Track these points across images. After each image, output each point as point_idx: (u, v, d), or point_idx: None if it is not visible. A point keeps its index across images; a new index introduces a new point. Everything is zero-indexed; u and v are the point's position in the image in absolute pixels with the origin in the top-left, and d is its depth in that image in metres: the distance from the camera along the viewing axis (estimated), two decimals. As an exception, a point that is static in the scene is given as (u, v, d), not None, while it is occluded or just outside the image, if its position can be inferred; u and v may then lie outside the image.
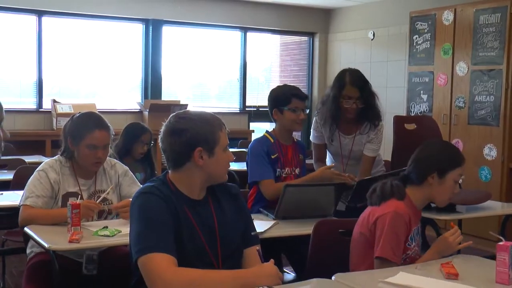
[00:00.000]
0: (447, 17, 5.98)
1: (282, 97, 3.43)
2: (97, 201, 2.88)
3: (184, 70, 7.76)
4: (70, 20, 6.98)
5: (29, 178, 2.93)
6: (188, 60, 7.71)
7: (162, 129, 2.15)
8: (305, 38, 8.50)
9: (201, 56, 7.81)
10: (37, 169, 2.95)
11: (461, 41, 5.85)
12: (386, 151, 4.30)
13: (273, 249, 2.92)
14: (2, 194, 3.68)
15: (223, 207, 2.20)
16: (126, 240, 2.23)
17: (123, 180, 3.09)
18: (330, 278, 2.18)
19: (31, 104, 6.78)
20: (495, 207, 3.91)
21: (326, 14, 8.34)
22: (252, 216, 2.59)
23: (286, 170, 3.46)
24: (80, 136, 2.90)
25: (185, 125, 2.11)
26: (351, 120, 3.64)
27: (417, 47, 6.34)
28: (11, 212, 3.22)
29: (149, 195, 2.05)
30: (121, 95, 7.47)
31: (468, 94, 5.79)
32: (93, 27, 7.12)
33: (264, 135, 3.52)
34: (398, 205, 2.45)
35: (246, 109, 8.08)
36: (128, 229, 2.09)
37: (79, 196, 2.93)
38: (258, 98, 8.10)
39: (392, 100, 6.81)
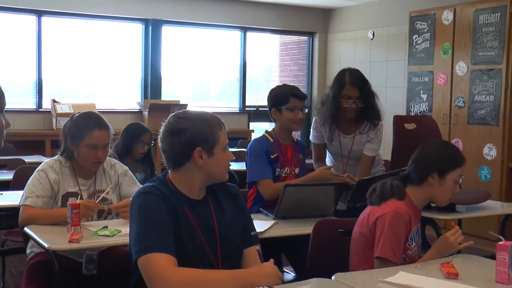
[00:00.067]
0: (447, 16, 5.98)
1: (280, 96, 3.43)
2: (97, 201, 2.88)
3: (183, 70, 7.76)
4: (70, 20, 6.98)
5: (29, 178, 2.93)
6: (187, 60, 7.71)
7: (162, 129, 2.15)
8: (304, 38, 8.50)
9: (201, 56, 7.81)
10: (36, 169, 2.95)
11: (460, 41, 5.85)
12: (386, 151, 4.30)
13: (273, 249, 2.92)
14: (2, 194, 3.68)
15: (223, 207, 2.20)
16: (126, 240, 2.23)
17: (122, 180, 3.09)
18: (330, 277, 2.18)
19: (31, 104, 6.78)
20: (495, 207, 3.91)
21: (326, 14, 8.34)
22: (252, 216, 2.59)
23: (286, 170, 3.46)
24: (80, 136, 2.90)
25: (185, 125, 2.11)
26: (351, 119, 3.64)
27: (416, 46, 6.34)
28: (11, 212, 3.22)
29: (148, 195, 2.05)
30: (120, 95, 7.47)
31: (468, 93, 5.79)
32: (93, 27, 7.12)
33: (263, 134, 3.52)
34: (398, 205, 2.44)
35: (246, 109, 8.08)
36: (128, 229, 2.08)
37: (79, 196, 2.93)
38: (258, 98, 8.11)
39: (391, 99, 6.81)
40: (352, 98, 3.55)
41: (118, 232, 2.66)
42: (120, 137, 4.35)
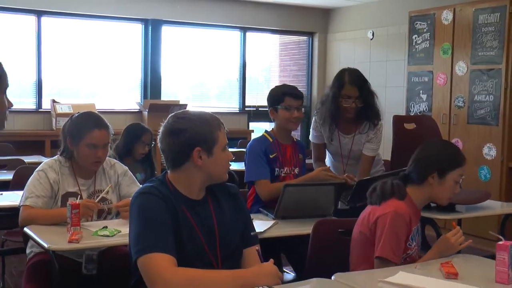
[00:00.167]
0: (446, 16, 5.98)
1: (276, 96, 3.46)
2: (96, 201, 2.88)
3: (183, 70, 7.76)
4: (70, 20, 6.98)
5: (28, 178, 2.93)
6: (187, 60, 7.71)
7: (161, 129, 2.15)
8: (304, 38, 8.50)
9: (201, 56, 7.81)
10: (36, 169, 2.95)
11: (460, 41, 5.85)
12: (385, 151, 4.30)
13: (273, 249, 2.92)
14: (1, 194, 3.68)
15: (222, 207, 2.20)
16: (125, 240, 2.23)
17: (122, 180, 3.09)
18: (330, 277, 2.18)
19: (31, 104, 6.78)
20: (495, 207, 3.91)
21: (325, 14, 8.34)
22: (252, 216, 2.59)
23: (285, 170, 3.46)
24: (80, 135, 2.90)
25: (184, 125, 2.10)
26: (351, 119, 3.64)
27: (416, 46, 6.34)
28: (11, 212, 3.22)
29: (148, 195, 2.05)
30: (120, 95, 7.47)
31: (468, 93, 5.79)
32: (93, 27, 7.12)
33: (263, 134, 3.53)
34: (399, 205, 2.44)
35: (246, 109, 8.08)
36: (128, 229, 2.08)
37: (79, 196, 2.93)
38: (258, 98, 8.10)
39: (391, 99, 6.81)
40: (352, 97, 3.55)
41: (118, 232, 2.66)
42: (121, 138, 4.35)
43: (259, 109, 7.96)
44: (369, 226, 2.48)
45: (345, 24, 8.07)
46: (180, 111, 2.23)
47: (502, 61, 5.45)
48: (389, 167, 3.96)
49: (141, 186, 2.40)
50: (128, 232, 2.07)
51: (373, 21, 7.59)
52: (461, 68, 5.85)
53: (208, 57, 7.87)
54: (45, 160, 3.04)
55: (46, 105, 6.76)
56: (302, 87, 8.20)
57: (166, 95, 7.53)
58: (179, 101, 7.30)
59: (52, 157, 3.07)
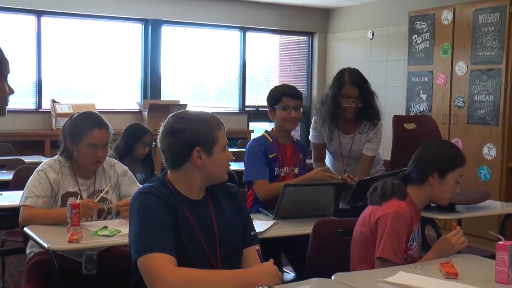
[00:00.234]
0: (446, 16, 5.98)
1: (274, 96, 3.47)
2: (95, 200, 2.88)
3: (183, 70, 7.76)
4: (69, 20, 6.98)
5: (28, 178, 2.93)
6: (187, 60, 7.71)
7: (161, 129, 2.15)
8: (304, 38, 8.50)
9: (200, 56, 7.81)
10: (36, 169, 2.95)
11: (460, 41, 5.85)
12: (385, 151, 4.30)
13: (273, 248, 2.92)
14: (1, 194, 3.68)
15: (222, 207, 2.20)
16: (125, 240, 2.23)
17: (122, 180, 3.09)
18: (330, 277, 2.18)
19: (31, 104, 6.78)
20: (495, 207, 3.91)
21: (325, 14, 8.34)
22: (252, 215, 2.59)
23: (285, 170, 3.46)
24: (80, 135, 2.90)
25: (184, 125, 2.10)
26: (350, 119, 3.64)
27: (416, 46, 6.34)
28: (11, 212, 3.22)
29: (148, 195, 2.05)
30: (120, 95, 7.47)
31: (468, 93, 5.79)
32: (92, 27, 7.12)
33: (262, 134, 3.53)
34: (400, 205, 2.44)
35: (246, 109, 8.07)
36: (128, 229, 2.08)
37: (79, 196, 2.93)
38: (258, 98, 8.10)
39: (391, 99, 6.81)
40: (352, 97, 3.55)
41: (118, 232, 2.66)
42: (121, 138, 4.34)
43: (259, 109, 7.96)
44: (370, 226, 2.48)
45: (345, 24, 8.07)
46: (180, 111, 2.23)
47: (502, 61, 5.45)
48: (389, 167, 3.96)
49: (141, 186, 2.40)
50: (128, 232, 2.07)
51: (373, 21, 7.59)
52: (461, 68, 5.85)
53: (208, 57, 7.87)
54: (45, 160, 3.04)
55: (46, 105, 6.76)
56: (302, 87, 8.20)
57: (166, 95, 7.53)
58: (179, 101, 7.30)
59: (52, 157, 3.07)
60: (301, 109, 3.48)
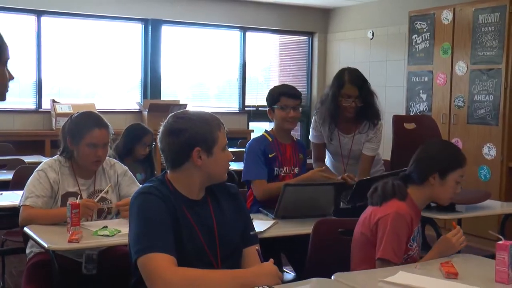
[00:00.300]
0: (446, 16, 5.98)
1: (272, 96, 3.48)
2: (95, 200, 2.88)
3: (183, 70, 7.76)
4: (69, 20, 6.97)
5: (28, 178, 2.93)
6: (187, 60, 7.71)
7: (161, 129, 2.15)
8: (304, 38, 8.50)
9: (201, 56, 7.81)
10: (36, 169, 2.95)
11: (460, 41, 5.85)
12: (385, 151, 4.31)
13: (273, 248, 2.92)
14: (1, 194, 3.68)
15: (222, 207, 2.19)
16: (125, 240, 2.23)
17: (122, 180, 3.09)
18: (330, 277, 2.18)
19: (31, 104, 6.78)
20: (495, 206, 3.91)
21: (325, 14, 8.34)
22: (252, 215, 2.60)
23: (285, 169, 3.46)
24: (80, 135, 2.90)
25: (184, 125, 2.10)
26: (350, 119, 3.64)
27: (416, 46, 6.34)
28: (11, 212, 3.22)
29: (147, 195, 2.05)
30: (120, 95, 7.47)
31: (467, 93, 5.79)
32: (92, 27, 7.12)
33: (262, 134, 3.54)
34: (400, 206, 2.44)
35: (246, 109, 8.07)
36: (128, 228, 2.08)
37: (79, 196, 2.93)
38: (258, 98, 8.10)
39: (391, 99, 6.81)
40: (352, 97, 3.55)
41: (118, 232, 2.66)
42: (121, 138, 4.34)
43: (259, 109, 7.95)
44: (370, 227, 2.47)
45: (345, 24, 8.07)
46: (180, 111, 2.23)
47: (502, 61, 5.45)
48: (389, 167, 3.96)
49: (140, 186, 2.40)
50: (128, 232, 2.07)
51: (373, 21, 7.59)
52: (461, 68, 5.85)
53: (208, 57, 7.87)
54: (45, 160, 3.04)
55: (46, 105, 6.76)
56: (302, 87, 8.20)
57: (166, 95, 7.53)
58: (179, 101, 7.30)
59: (52, 157, 3.07)
60: (300, 108, 3.48)
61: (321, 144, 3.82)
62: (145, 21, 7.30)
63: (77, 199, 2.87)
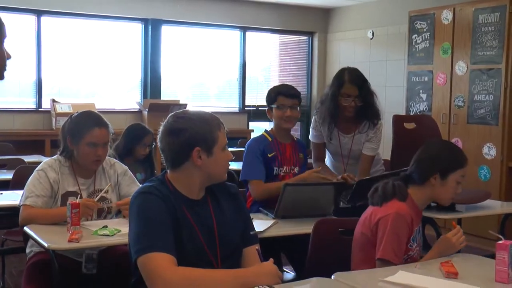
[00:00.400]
0: (446, 16, 5.98)
1: (270, 96, 3.49)
2: (95, 200, 2.88)
3: (183, 69, 7.76)
4: (69, 20, 6.97)
5: (28, 178, 2.94)
6: (187, 60, 7.71)
7: (161, 128, 2.15)
8: (304, 38, 8.50)
9: (201, 55, 7.81)
10: (36, 168, 2.95)
11: (460, 41, 5.85)
12: (385, 151, 4.31)
13: (273, 248, 2.92)
14: (1, 194, 3.68)
15: (222, 207, 2.19)
16: (125, 239, 2.23)
17: (122, 180, 3.09)
18: (330, 277, 2.18)
19: (31, 104, 6.78)
20: (495, 206, 3.91)
21: (325, 14, 8.34)
22: (252, 215, 2.60)
23: (285, 169, 3.46)
24: (80, 134, 2.90)
25: (184, 124, 2.10)
26: (350, 118, 3.64)
27: (416, 46, 6.34)
28: (11, 212, 3.22)
29: (147, 195, 2.05)
30: (120, 94, 7.47)
31: (467, 93, 5.79)
32: (92, 27, 7.12)
33: (262, 134, 3.54)
34: (400, 206, 2.44)
35: (246, 108, 8.07)
36: (128, 228, 2.08)
37: (79, 196, 2.93)
38: (258, 97, 8.10)
39: (391, 99, 6.81)
40: (351, 96, 3.55)
41: (118, 231, 2.66)
42: (121, 138, 4.34)
43: (259, 108, 7.95)
44: (370, 227, 2.47)
45: (345, 24, 8.07)
46: (180, 110, 2.23)
47: (502, 60, 5.45)
48: (389, 167, 3.96)
49: (140, 185, 2.40)
50: (128, 231, 2.07)
51: (373, 21, 7.59)
52: (461, 67, 5.85)
53: (208, 57, 7.87)
54: (45, 160, 3.05)
55: (46, 104, 6.76)
56: (302, 87, 8.21)
57: (166, 94, 7.53)
58: (179, 100, 7.30)
59: (52, 156, 3.07)
60: (298, 108, 3.48)
61: (321, 144, 3.82)
62: (145, 21, 7.30)
63: (77, 198, 2.87)
